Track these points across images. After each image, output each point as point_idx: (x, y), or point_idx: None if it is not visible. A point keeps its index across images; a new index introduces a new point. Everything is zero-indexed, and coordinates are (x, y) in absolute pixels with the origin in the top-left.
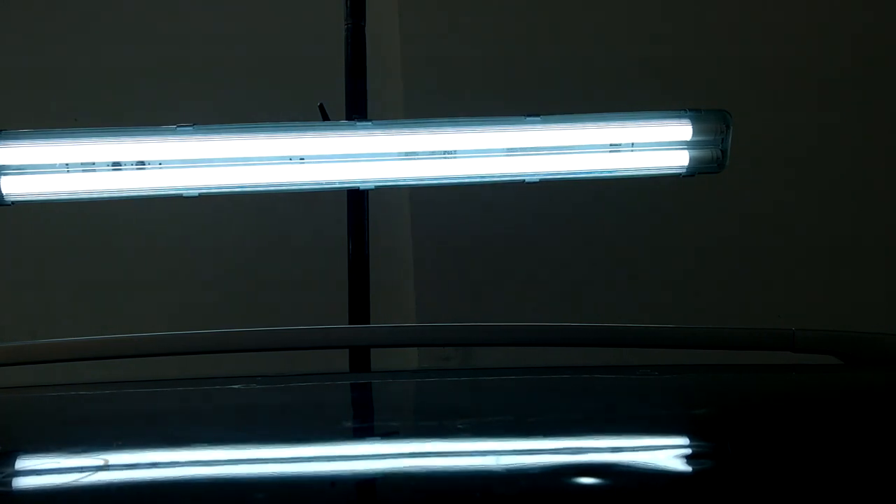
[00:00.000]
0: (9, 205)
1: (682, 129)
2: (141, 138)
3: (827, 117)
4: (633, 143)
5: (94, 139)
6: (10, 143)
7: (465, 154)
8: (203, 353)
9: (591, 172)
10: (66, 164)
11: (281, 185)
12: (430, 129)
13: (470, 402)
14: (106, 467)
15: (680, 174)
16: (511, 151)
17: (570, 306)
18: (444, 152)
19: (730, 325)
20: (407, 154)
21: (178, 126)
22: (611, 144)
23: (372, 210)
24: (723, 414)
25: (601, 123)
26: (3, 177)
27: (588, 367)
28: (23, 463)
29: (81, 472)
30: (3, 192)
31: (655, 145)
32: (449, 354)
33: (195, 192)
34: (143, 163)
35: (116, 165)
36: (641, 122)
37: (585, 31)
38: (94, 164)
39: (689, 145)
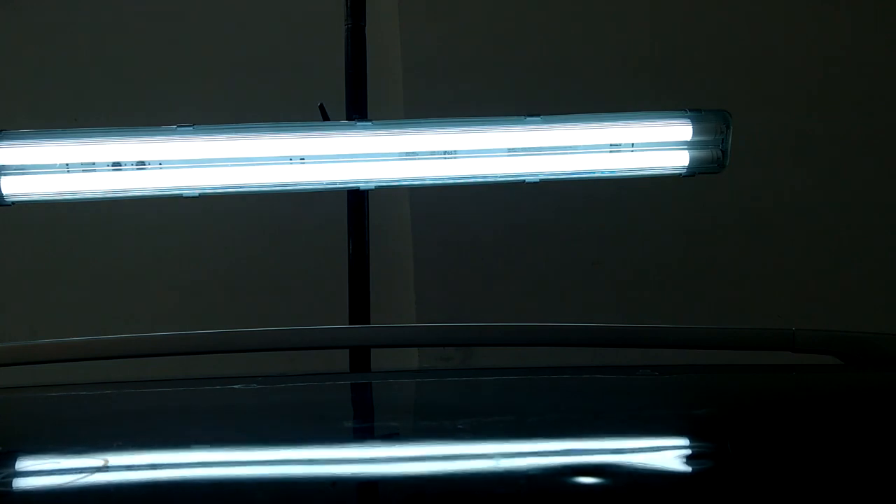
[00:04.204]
0: (9, 205)
1: (683, 129)
2: (141, 138)
3: (827, 116)
4: (633, 143)
5: (94, 139)
6: (11, 143)
7: (465, 154)
8: (203, 353)
9: (591, 172)
10: (67, 164)
11: (281, 185)
12: (431, 129)
13: (470, 402)
14: (106, 467)
15: (680, 174)
16: (511, 151)
17: (570, 306)
18: (445, 152)
19: (730, 325)
20: (407, 154)
21: (179, 126)
22: (611, 144)
23: (372, 210)
24: (723, 414)
25: (601, 123)
26: (3, 177)
27: (588, 367)
28: (23, 463)
29: (81, 472)
30: (4, 192)
31: (656, 145)
32: (449, 354)
33: (195, 192)
34: (143, 163)
35: (116, 165)
36: (642, 122)
37: (586, 30)
38: (94, 164)
39: (689, 145)
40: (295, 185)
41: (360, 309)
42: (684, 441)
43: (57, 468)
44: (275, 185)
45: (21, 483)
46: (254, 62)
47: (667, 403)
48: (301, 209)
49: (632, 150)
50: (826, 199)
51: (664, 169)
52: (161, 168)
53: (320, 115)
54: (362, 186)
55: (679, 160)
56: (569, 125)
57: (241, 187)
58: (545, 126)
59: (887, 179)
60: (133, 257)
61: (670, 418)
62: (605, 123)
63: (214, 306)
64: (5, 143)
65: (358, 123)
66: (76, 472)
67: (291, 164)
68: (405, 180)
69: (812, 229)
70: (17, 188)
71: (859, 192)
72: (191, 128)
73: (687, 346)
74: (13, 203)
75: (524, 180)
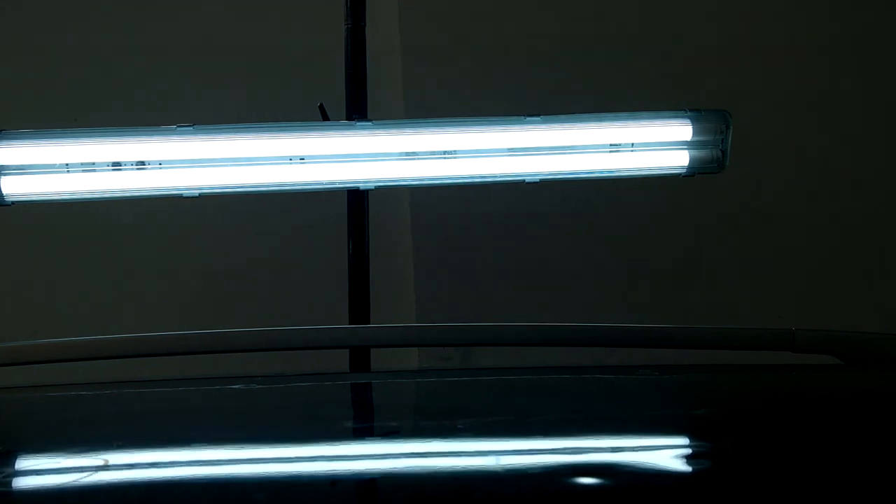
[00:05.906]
0: (9, 205)
1: (683, 129)
2: (141, 138)
3: (827, 116)
4: (633, 143)
5: (94, 139)
6: (10, 143)
7: (465, 154)
8: (203, 353)
9: (591, 172)
10: (67, 164)
11: (281, 185)
12: (430, 129)
13: (470, 402)
14: (106, 467)
15: (680, 174)
16: (511, 151)
17: (570, 306)
18: (444, 152)
19: (730, 325)
20: (407, 154)
21: (178, 126)
22: (611, 144)
23: (372, 210)
24: (723, 414)
25: (601, 123)
26: (3, 177)
27: (588, 367)
28: (23, 463)
29: (81, 472)
30: (3, 192)
31: (655, 145)
32: (449, 354)
33: (195, 192)
34: (143, 163)
35: (116, 165)
36: (641, 122)
37: (585, 31)
38: (94, 164)
39: (689, 145)
40: (295, 185)
41: (360, 309)
42: (684, 441)
43: (57, 468)
44: (275, 185)
45: (21, 483)
46: (254, 62)
47: (667, 403)
48: (301, 209)
49: (631, 150)
50: (826, 199)
51: (664, 169)
52: (161, 168)
53: (320, 115)
54: (362, 186)
55: (679, 160)
56: (568, 125)
57: (241, 187)
58: (545, 126)
59: (888, 179)
60: (133, 257)
61: (670, 418)
62: (605, 123)
63: (214, 306)
64: (5, 143)
65: (358, 123)
66: (76, 472)
67: (291, 164)
68: (405, 180)
69: (812, 229)
70: (17, 188)
71: (859, 192)
72: (190, 128)
73: (687, 346)
74: (13, 203)
75: (524, 180)
